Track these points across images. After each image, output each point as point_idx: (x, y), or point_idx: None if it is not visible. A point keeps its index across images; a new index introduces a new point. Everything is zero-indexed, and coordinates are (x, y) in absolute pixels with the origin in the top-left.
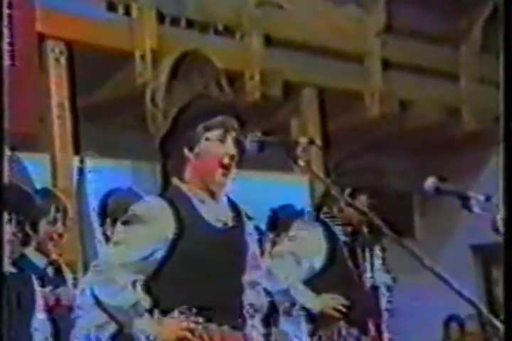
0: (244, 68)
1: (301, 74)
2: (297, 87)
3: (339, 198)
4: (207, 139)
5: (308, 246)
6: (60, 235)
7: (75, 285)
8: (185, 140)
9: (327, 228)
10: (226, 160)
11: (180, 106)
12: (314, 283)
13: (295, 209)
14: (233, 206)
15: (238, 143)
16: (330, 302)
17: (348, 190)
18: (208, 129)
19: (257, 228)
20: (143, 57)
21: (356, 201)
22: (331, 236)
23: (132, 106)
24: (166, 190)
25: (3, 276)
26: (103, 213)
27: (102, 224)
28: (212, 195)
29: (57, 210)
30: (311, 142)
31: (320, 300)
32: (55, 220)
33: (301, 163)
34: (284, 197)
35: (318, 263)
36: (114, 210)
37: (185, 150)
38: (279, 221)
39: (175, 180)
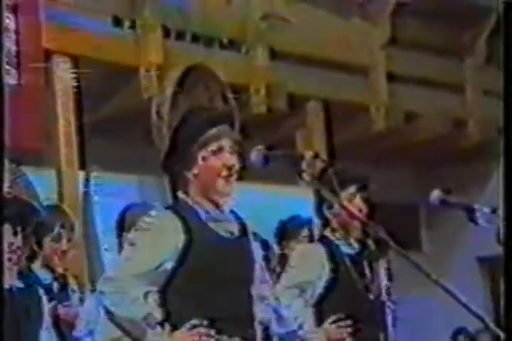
0: (250, 82)
1: (306, 87)
2: (302, 100)
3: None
4: (203, 158)
5: (310, 272)
6: (64, 252)
7: (81, 300)
8: (183, 162)
9: (329, 244)
10: (224, 173)
11: (174, 125)
12: (319, 304)
13: (302, 219)
14: (238, 217)
15: (237, 152)
16: (336, 332)
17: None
18: (202, 147)
19: (263, 242)
20: (148, 71)
21: (352, 204)
22: (333, 252)
23: (138, 121)
24: (173, 203)
25: (3, 288)
26: (120, 227)
27: (119, 236)
28: (217, 205)
29: (63, 227)
30: (316, 156)
31: (326, 333)
32: (59, 236)
33: (306, 177)
34: (291, 210)
35: (321, 284)
36: (131, 224)
37: (185, 172)
38: (288, 232)
39: (180, 194)
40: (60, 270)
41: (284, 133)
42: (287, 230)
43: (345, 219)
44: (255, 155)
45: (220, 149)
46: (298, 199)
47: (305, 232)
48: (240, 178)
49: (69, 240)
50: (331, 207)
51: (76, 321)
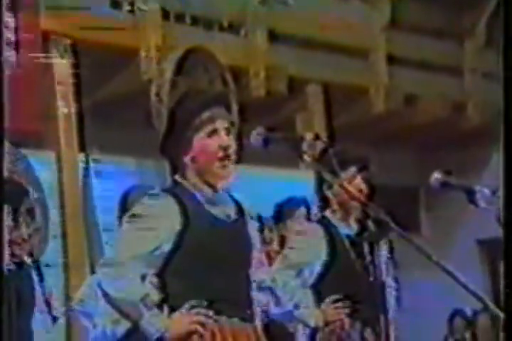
0: (249, 64)
1: (306, 70)
2: (302, 83)
3: (336, 186)
4: (199, 141)
5: (307, 253)
6: (24, 240)
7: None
8: (180, 145)
9: (328, 225)
10: (221, 154)
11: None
12: (317, 285)
13: (298, 199)
14: (235, 200)
15: (233, 133)
16: (333, 313)
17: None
18: (197, 129)
19: (260, 225)
20: (147, 53)
21: (352, 185)
22: (332, 233)
23: (137, 103)
24: (171, 186)
25: (3, 275)
26: (123, 208)
27: (121, 218)
28: (214, 188)
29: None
30: (317, 137)
31: (323, 314)
32: (17, 224)
33: (307, 158)
34: (290, 192)
35: (319, 265)
36: (130, 204)
37: (182, 156)
38: (284, 213)
39: (177, 177)
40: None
41: (284, 116)
42: (284, 212)
43: (345, 199)
44: (255, 137)
45: (215, 131)
46: (298, 182)
47: (300, 211)
48: (238, 161)
49: (28, 226)
50: (331, 187)
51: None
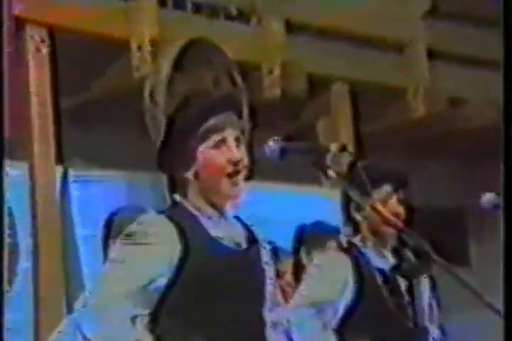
0: (262, 60)
1: (329, 66)
2: (325, 82)
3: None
4: (203, 153)
5: (331, 288)
6: None
7: None
8: (180, 157)
9: (356, 255)
10: (230, 169)
11: (169, 113)
12: (342, 326)
13: (327, 226)
14: (246, 225)
15: (245, 144)
16: None
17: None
18: (201, 139)
19: (277, 254)
20: (140, 47)
21: (386, 207)
22: (361, 266)
23: (128, 106)
24: (169, 207)
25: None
26: (107, 235)
27: (106, 247)
28: (221, 210)
29: None
30: (343, 148)
31: None
32: None
33: (331, 174)
34: (312, 214)
35: (344, 304)
36: (119, 231)
37: (183, 171)
38: (309, 239)
39: (177, 197)
40: None
41: (304, 121)
42: (308, 238)
43: (377, 224)
44: (270, 147)
45: (223, 141)
46: (320, 202)
47: (332, 242)
48: (249, 177)
49: None
50: (360, 210)
51: None
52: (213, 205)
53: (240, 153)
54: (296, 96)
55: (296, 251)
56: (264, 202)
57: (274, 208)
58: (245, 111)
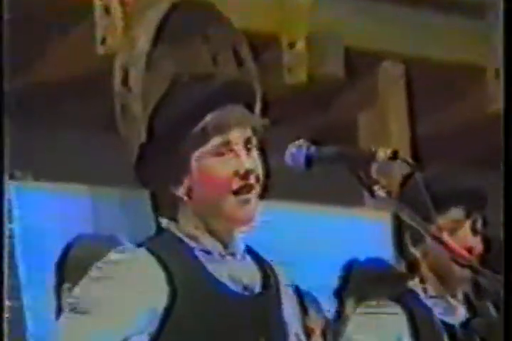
0: (280, 30)
1: (376, 38)
2: (369, 60)
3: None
4: (198, 162)
5: None
6: None
7: None
8: (167, 168)
9: (413, 304)
10: (237, 183)
11: (153, 105)
12: None
13: (371, 264)
14: (260, 260)
15: (257, 150)
16: None
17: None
18: (197, 143)
19: (302, 297)
20: (108, 9)
21: (456, 238)
22: (419, 320)
23: (91, 94)
24: (153, 236)
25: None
26: (60, 274)
27: (58, 290)
28: (226, 241)
29: None
30: (395, 155)
31: None
32: None
33: (379, 190)
34: (352, 246)
35: None
36: (78, 270)
37: (171, 187)
38: (349, 283)
39: (164, 222)
40: None
41: (339, 116)
42: (347, 281)
43: (443, 263)
44: (293, 154)
45: (227, 145)
46: (362, 229)
47: (378, 287)
48: (263, 194)
49: None
50: (419, 241)
51: None
52: (214, 233)
53: (250, 162)
54: (329, 80)
55: (332, 298)
56: (286, 230)
57: (299, 238)
58: (258, 103)
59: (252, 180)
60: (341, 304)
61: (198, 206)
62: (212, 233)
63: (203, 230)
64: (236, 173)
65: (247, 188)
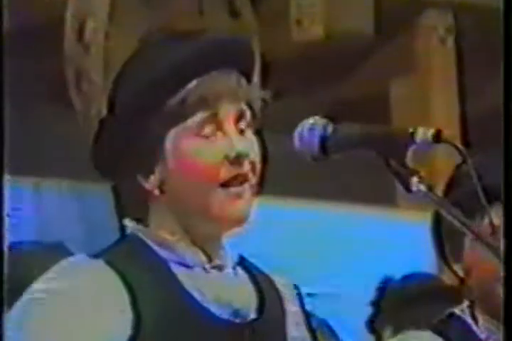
0: None
1: None
2: (406, 10)
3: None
4: (174, 145)
5: None
6: None
7: None
8: (135, 154)
9: (461, 334)
10: (227, 172)
11: (117, 70)
12: None
13: (419, 284)
14: (257, 276)
15: (250, 125)
16: None
17: None
18: (174, 120)
19: (311, 329)
20: None
21: None
22: None
23: (38, 54)
24: (114, 244)
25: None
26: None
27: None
28: (211, 250)
29: None
30: (438, 137)
31: None
32: None
33: (417, 182)
34: (381, 259)
35: None
36: (9, 289)
37: (139, 178)
38: (392, 310)
39: (129, 224)
40: None
41: (365, 86)
42: (378, 306)
43: (488, 284)
44: (303, 136)
45: (214, 122)
46: (395, 235)
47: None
48: (259, 188)
49: None
50: (461, 255)
51: None
52: (195, 239)
53: (244, 144)
54: (353, 37)
55: (362, 330)
56: (292, 235)
57: (310, 246)
58: (257, 68)
59: (245, 167)
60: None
61: (174, 203)
62: (193, 239)
63: (181, 235)
64: (225, 159)
65: (240, 178)
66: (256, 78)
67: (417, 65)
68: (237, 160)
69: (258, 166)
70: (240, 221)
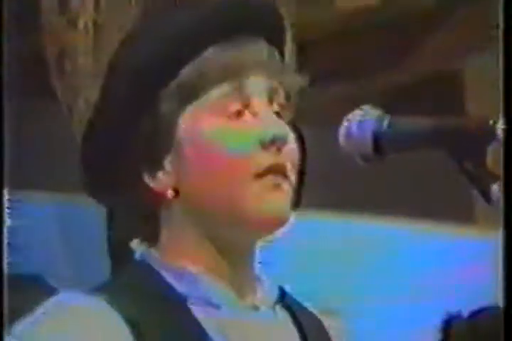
0: None
1: None
2: None
3: None
4: (190, 126)
5: None
6: None
7: None
8: (139, 142)
9: None
10: (260, 159)
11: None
12: None
13: (493, 322)
14: (300, 316)
15: (288, 122)
16: None
17: None
18: (191, 96)
19: None
20: None
21: None
22: None
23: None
24: (116, 276)
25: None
26: None
27: None
28: (242, 281)
29: None
30: None
31: None
32: None
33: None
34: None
35: None
36: None
37: (145, 177)
38: None
39: (142, 249)
40: None
41: (431, 66)
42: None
43: None
44: (351, 130)
45: (241, 98)
46: (476, 258)
47: None
48: (297, 202)
49: None
50: None
51: None
52: (221, 265)
53: (281, 127)
54: (415, 4)
55: None
56: (338, 257)
57: (363, 274)
58: (288, 41)
59: (283, 156)
60: None
61: (193, 207)
62: (220, 267)
63: (206, 259)
64: (259, 144)
65: (276, 169)
66: (289, 57)
67: (498, 39)
68: (274, 145)
69: (296, 159)
70: (280, 219)
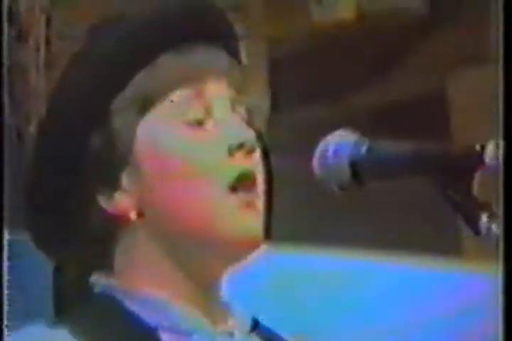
0: None
1: None
2: None
3: None
4: (147, 135)
5: None
6: None
7: None
8: (90, 159)
9: None
10: (229, 169)
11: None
12: None
13: None
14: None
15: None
16: None
17: None
18: (142, 108)
19: None
20: None
21: None
22: None
23: None
24: (83, 308)
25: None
26: None
27: None
28: (214, 307)
29: None
30: None
31: None
32: None
33: (490, 224)
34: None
35: None
36: None
37: (101, 199)
38: None
39: (103, 282)
40: None
41: (413, 83)
42: None
43: None
44: (326, 155)
45: (203, 106)
46: (462, 295)
47: None
48: (268, 235)
49: None
50: None
51: None
52: (195, 284)
53: (248, 132)
54: (399, 17)
55: None
56: (313, 290)
57: (337, 306)
58: (242, 51)
59: (252, 163)
60: None
61: (160, 227)
62: (186, 292)
63: (175, 283)
64: (228, 150)
65: (245, 180)
66: (260, 71)
67: (485, 52)
68: (242, 149)
69: (263, 172)
70: (255, 241)
